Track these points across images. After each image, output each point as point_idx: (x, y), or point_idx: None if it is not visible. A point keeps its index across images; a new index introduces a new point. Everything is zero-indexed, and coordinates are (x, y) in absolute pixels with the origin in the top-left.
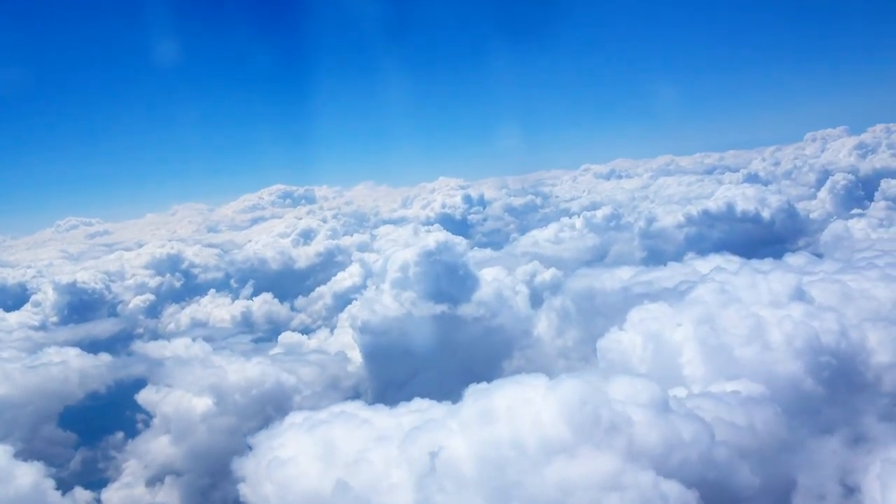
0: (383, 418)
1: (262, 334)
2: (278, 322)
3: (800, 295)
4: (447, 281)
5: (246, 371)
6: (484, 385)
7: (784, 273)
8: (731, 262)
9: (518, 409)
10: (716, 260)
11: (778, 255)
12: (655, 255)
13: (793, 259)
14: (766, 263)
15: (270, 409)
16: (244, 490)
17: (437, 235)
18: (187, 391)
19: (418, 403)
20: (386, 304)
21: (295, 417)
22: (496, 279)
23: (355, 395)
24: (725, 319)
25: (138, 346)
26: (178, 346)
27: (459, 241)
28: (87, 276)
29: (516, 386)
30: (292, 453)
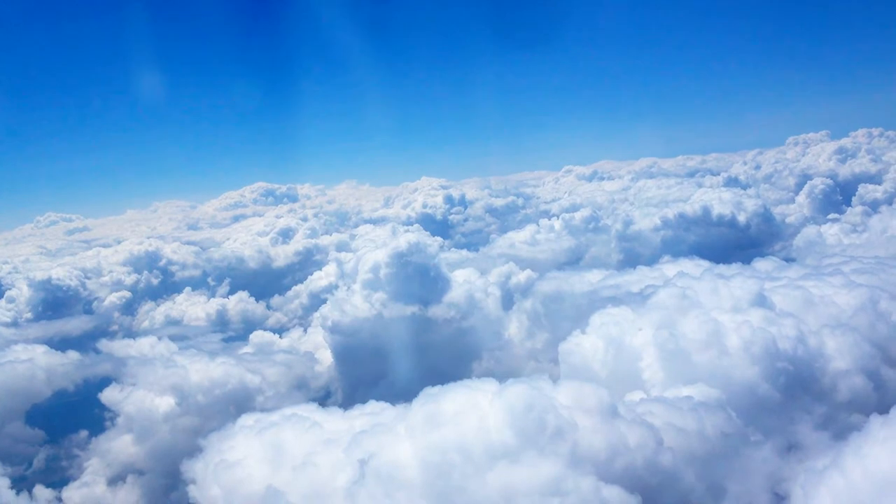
0: (336, 421)
1: (236, 333)
2: (254, 321)
3: (761, 301)
4: (418, 282)
5: (209, 371)
6: (436, 389)
7: (746, 279)
8: (699, 266)
9: (465, 413)
10: (685, 264)
11: (752, 259)
12: (632, 258)
13: (761, 264)
14: (733, 268)
15: (233, 409)
16: (193, 492)
17: (409, 237)
18: (150, 390)
19: (372, 406)
20: (356, 305)
21: (246, 419)
22: (467, 281)
23: (324, 395)
24: (685, 324)
25: (104, 344)
26: (144, 345)
27: (431, 243)
28: (62, 272)
29: (465, 390)
30: (241, 456)
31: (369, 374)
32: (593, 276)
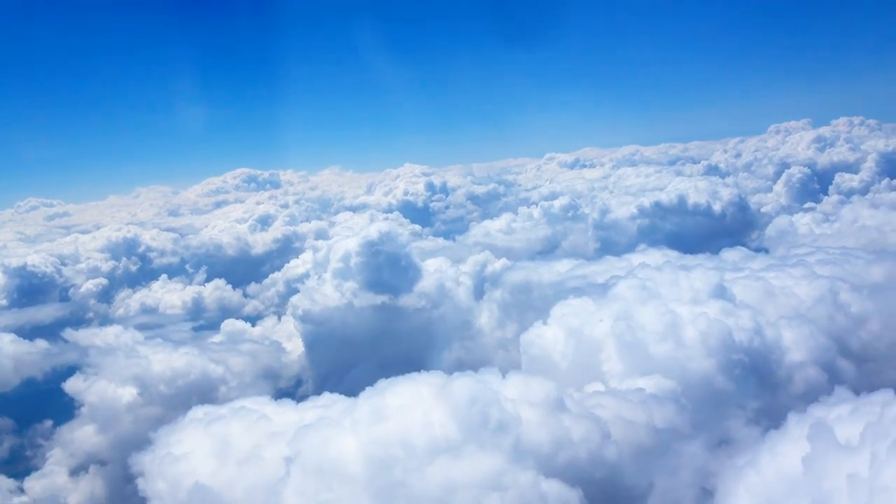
0: (287, 414)
1: (210, 321)
2: (230, 308)
3: (720, 292)
4: (389, 271)
5: (171, 361)
6: (385, 382)
7: (706, 270)
8: (667, 256)
9: (409, 407)
10: (653, 255)
11: (727, 248)
12: (608, 247)
13: (729, 254)
14: (700, 259)
15: (195, 399)
16: (142, 484)
17: (380, 225)
18: (112, 381)
19: (326, 398)
20: (326, 294)
21: (196, 412)
22: (439, 270)
23: (295, 384)
24: (643, 316)
25: (69, 333)
26: (109, 335)
27: (403, 232)
28: (37, 259)
29: (412, 384)
30: (187, 449)
31: (340, 363)
32: (563, 265)
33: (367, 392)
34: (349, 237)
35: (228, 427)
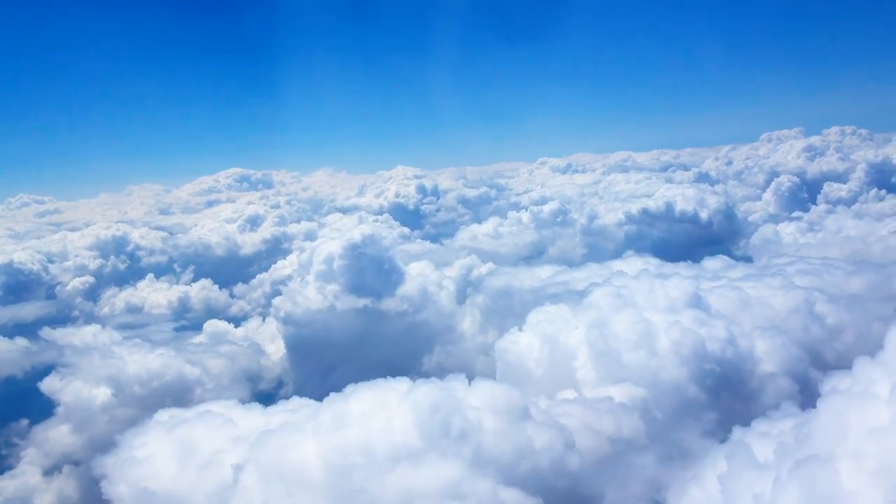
0: (253, 418)
1: (192, 322)
2: (216, 309)
3: (696, 301)
4: (371, 275)
5: (147, 362)
6: (353, 387)
7: (682, 279)
8: (649, 264)
9: (372, 413)
10: (635, 262)
11: (713, 256)
12: (596, 253)
13: (710, 263)
14: (680, 267)
15: (169, 401)
16: (105, 487)
17: (364, 228)
18: (87, 381)
19: (294, 402)
20: (309, 297)
21: (162, 415)
22: (421, 274)
23: (276, 386)
24: (617, 324)
25: (46, 331)
26: (87, 334)
27: (386, 235)
28: (24, 256)
29: (376, 390)
30: (150, 453)
31: (321, 366)
32: (544, 271)
33: (331, 397)
34: (333, 239)
35: (192, 431)
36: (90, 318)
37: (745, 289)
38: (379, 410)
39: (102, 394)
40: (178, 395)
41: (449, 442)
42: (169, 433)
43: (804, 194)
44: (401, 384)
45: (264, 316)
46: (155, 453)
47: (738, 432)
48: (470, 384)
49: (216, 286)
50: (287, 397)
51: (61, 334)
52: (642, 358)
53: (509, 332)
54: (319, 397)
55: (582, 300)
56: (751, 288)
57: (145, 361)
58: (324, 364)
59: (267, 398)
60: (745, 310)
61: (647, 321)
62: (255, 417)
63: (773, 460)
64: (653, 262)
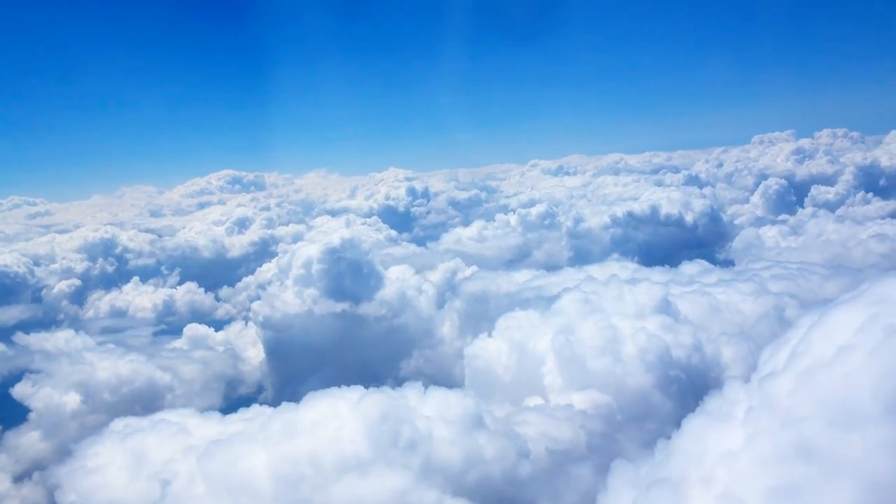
0: (209, 427)
1: (177, 325)
2: (201, 312)
3: (665, 307)
4: (350, 279)
5: (117, 368)
6: (310, 395)
7: (652, 285)
8: (626, 268)
9: (322, 422)
10: (612, 267)
11: (702, 259)
12: (582, 256)
13: (687, 267)
14: (656, 271)
15: (139, 408)
16: (59, 497)
17: (343, 232)
18: (57, 387)
19: (254, 411)
20: (287, 301)
21: (118, 424)
22: (400, 278)
23: (257, 390)
24: (584, 330)
25: (19, 336)
26: (59, 339)
27: (366, 239)
28: (10, 258)
29: (329, 398)
30: (102, 462)
31: (299, 370)
32: (522, 275)
33: (285, 406)
34: (312, 243)
35: (145, 440)
36: (75, 322)
37: (716, 294)
38: (329, 420)
39: (72, 400)
40: (148, 401)
41: (397, 451)
42: (122, 442)
43: (792, 197)
44: (354, 393)
45: (247, 319)
46: (107, 463)
47: (661, 445)
48: (426, 392)
49: (202, 289)
50: (266, 402)
51: (35, 339)
52: (607, 364)
53: (478, 338)
54: (297, 402)
55: (550, 305)
56: (721, 293)
57: (115, 368)
58: (302, 368)
59: (246, 402)
60: (715, 315)
61: (613, 327)
62: (212, 426)
63: (640, 482)
64: (630, 267)
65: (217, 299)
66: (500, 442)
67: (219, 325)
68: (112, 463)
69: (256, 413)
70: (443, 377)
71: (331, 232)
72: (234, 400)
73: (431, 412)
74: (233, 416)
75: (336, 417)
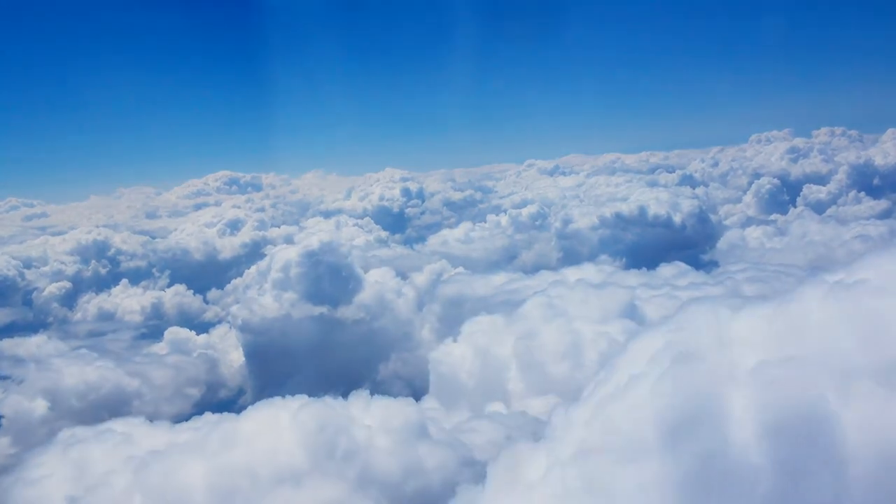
0: (156, 436)
1: (153, 329)
2: (189, 315)
3: (630, 311)
4: (329, 282)
5: (84, 374)
6: (260, 403)
7: (618, 289)
8: (601, 271)
9: (259, 433)
10: (588, 269)
11: (688, 260)
12: (571, 257)
13: (665, 269)
14: (632, 274)
15: (106, 414)
16: None
17: (322, 236)
18: (24, 393)
19: (203, 420)
20: (265, 304)
21: (65, 433)
22: (379, 281)
23: (237, 394)
24: (546, 334)
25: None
26: (31, 344)
27: (344, 242)
28: (0, 261)
29: (271, 408)
30: (43, 473)
31: (278, 374)
32: (499, 278)
33: (226, 416)
34: (291, 246)
35: (88, 451)
36: (64, 325)
37: (685, 298)
38: (268, 430)
39: (40, 406)
40: (116, 407)
41: (333, 462)
42: (65, 453)
43: (785, 196)
44: (296, 402)
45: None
46: (49, 474)
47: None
48: (370, 401)
49: (191, 291)
50: (246, 406)
51: (8, 344)
52: (567, 370)
53: (444, 344)
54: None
55: (515, 310)
56: (691, 297)
57: (82, 374)
58: (281, 372)
59: (226, 406)
60: None
61: (574, 332)
62: (159, 436)
63: None
64: (607, 269)
65: (206, 302)
66: (442, 452)
67: (206, 328)
68: (53, 474)
69: (205, 422)
70: (420, 381)
71: (315, 234)
72: (212, 404)
73: (373, 422)
74: (183, 426)
75: (275, 428)
